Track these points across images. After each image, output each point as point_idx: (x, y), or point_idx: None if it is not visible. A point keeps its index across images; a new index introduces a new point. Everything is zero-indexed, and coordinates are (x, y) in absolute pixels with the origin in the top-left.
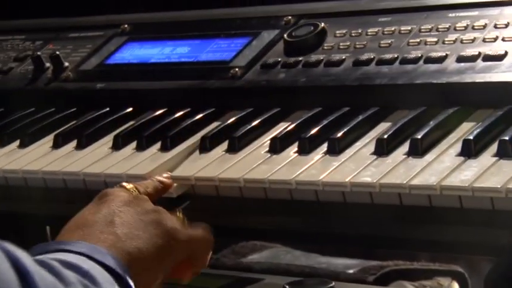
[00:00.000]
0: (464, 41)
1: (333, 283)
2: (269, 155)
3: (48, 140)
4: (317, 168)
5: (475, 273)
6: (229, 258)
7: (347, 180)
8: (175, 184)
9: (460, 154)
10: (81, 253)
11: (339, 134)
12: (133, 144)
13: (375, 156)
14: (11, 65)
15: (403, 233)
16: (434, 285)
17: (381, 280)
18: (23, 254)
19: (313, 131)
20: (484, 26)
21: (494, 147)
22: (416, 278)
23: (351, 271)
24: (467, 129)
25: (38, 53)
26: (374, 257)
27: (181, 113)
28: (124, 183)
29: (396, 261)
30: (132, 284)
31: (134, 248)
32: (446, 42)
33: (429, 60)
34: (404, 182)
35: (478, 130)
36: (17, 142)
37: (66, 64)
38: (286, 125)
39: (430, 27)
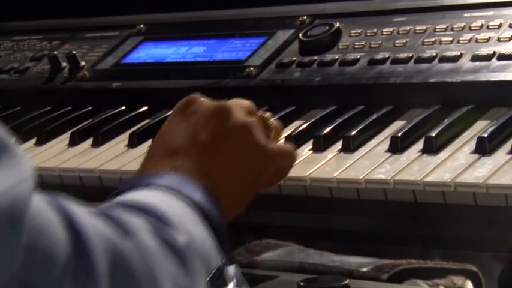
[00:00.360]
0: (479, 41)
1: (347, 280)
2: None
3: (65, 138)
4: (331, 165)
5: (489, 271)
6: (243, 256)
7: (361, 177)
8: None
9: (475, 152)
10: (168, 187)
11: (354, 132)
12: (149, 142)
13: (389, 154)
14: (28, 64)
15: (417, 230)
16: (448, 284)
17: (394, 278)
18: (79, 210)
19: (328, 129)
20: (499, 26)
21: (508, 145)
22: (430, 276)
23: (364, 269)
24: (481, 127)
25: (55, 52)
26: (387, 255)
27: None
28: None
29: (410, 259)
30: (219, 219)
31: (224, 169)
32: (461, 41)
33: (444, 59)
34: (419, 178)
35: (493, 128)
36: (34, 140)
37: (83, 63)
38: (301, 123)
39: (445, 26)
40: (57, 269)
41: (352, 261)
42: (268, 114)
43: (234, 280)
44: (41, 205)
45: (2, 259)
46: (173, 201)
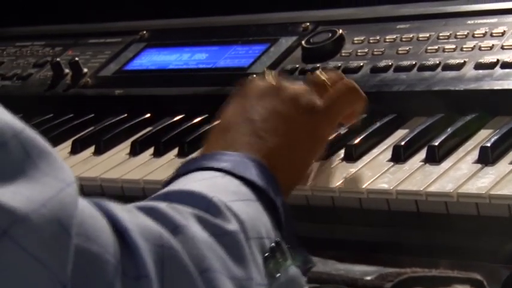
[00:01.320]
0: (483, 48)
1: None
2: None
3: (66, 146)
4: (334, 174)
5: (494, 281)
6: None
7: (363, 186)
8: None
9: (477, 161)
10: (221, 169)
11: (356, 141)
12: (151, 150)
13: (391, 163)
14: (31, 71)
15: (419, 240)
16: None
17: (398, 287)
18: (121, 209)
19: (330, 138)
20: (503, 33)
21: (511, 155)
22: (434, 285)
23: (368, 278)
24: (484, 136)
25: (57, 59)
26: (392, 264)
27: (199, 119)
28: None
29: (414, 268)
30: (275, 194)
31: (278, 144)
32: (464, 49)
33: (447, 67)
34: (421, 189)
35: (496, 137)
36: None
37: (85, 70)
38: None
39: (448, 34)
40: (108, 272)
41: (357, 269)
42: (317, 72)
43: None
44: (87, 209)
45: (53, 264)
46: (223, 182)
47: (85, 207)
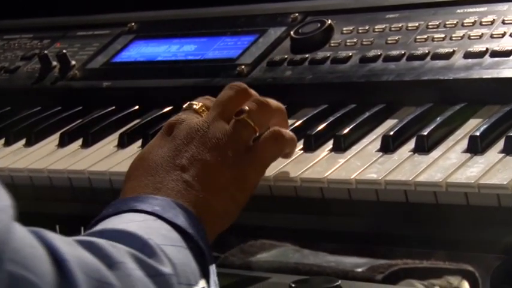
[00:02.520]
0: (472, 37)
1: (339, 281)
2: None
3: (54, 138)
4: (322, 165)
5: (485, 271)
6: (237, 257)
7: (352, 177)
8: None
9: (467, 151)
10: (152, 213)
11: (345, 131)
12: (139, 142)
13: (380, 153)
14: (18, 63)
15: (409, 231)
16: (444, 284)
17: (389, 279)
18: (61, 241)
19: (319, 128)
20: (492, 22)
21: (501, 144)
22: (426, 276)
23: (359, 270)
24: (474, 125)
25: (45, 51)
26: (383, 256)
27: None
28: (193, 103)
29: (405, 260)
30: (203, 240)
31: (204, 194)
32: (453, 38)
33: (436, 56)
34: (410, 179)
35: (485, 126)
36: (23, 141)
37: (73, 63)
38: (292, 122)
39: (437, 23)
40: None
41: (348, 261)
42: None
43: None
44: (26, 237)
45: None
46: (156, 226)
47: (24, 235)
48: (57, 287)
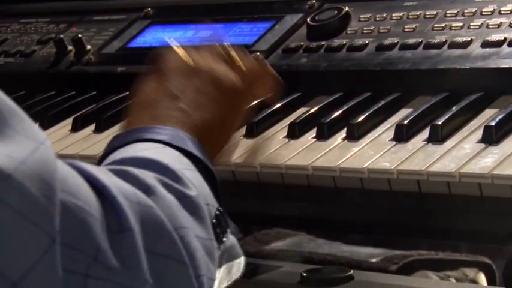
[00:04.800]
0: (490, 26)
1: (351, 271)
2: (287, 140)
3: (67, 123)
4: (335, 154)
5: (498, 262)
6: (251, 245)
7: (364, 166)
8: None
9: (481, 141)
10: (161, 141)
11: (359, 120)
12: None
13: (394, 142)
14: (34, 47)
15: (422, 221)
16: (460, 276)
17: (403, 269)
18: (96, 169)
19: (332, 116)
20: (511, 11)
21: None
22: (441, 268)
23: (373, 260)
24: (489, 115)
25: (61, 35)
26: (397, 247)
27: None
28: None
29: (420, 251)
30: (210, 165)
31: (201, 118)
32: (471, 27)
33: (453, 45)
34: (423, 168)
35: (500, 117)
36: (36, 125)
37: (88, 47)
38: (306, 110)
39: (456, 11)
40: (94, 226)
41: (362, 252)
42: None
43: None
44: (65, 167)
45: (40, 219)
46: (168, 152)
47: (64, 166)
48: (103, 212)
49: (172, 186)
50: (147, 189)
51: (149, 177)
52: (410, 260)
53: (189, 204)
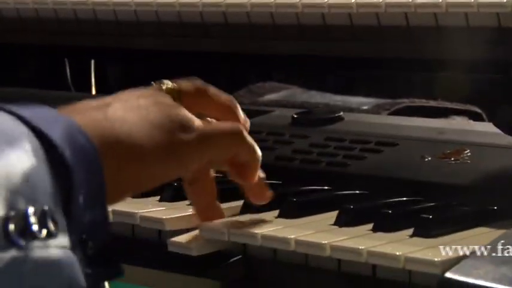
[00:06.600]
0: None
1: (341, 112)
2: None
3: None
4: None
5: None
6: (245, 97)
7: (353, 0)
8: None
9: None
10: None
11: None
12: None
13: None
14: None
15: (409, 54)
16: None
17: (394, 115)
18: None
19: None
20: None
21: None
22: (432, 115)
23: (364, 107)
24: None
25: None
26: (390, 96)
27: None
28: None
29: (412, 98)
30: (83, 171)
31: (123, 131)
32: None
33: None
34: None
35: None
36: None
37: None
38: None
39: None
40: None
41: (354, 100)
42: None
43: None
44: None
45: None
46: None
47: None
48: None
49: None
50: None
51: None
52: (401, 106)
53: None
